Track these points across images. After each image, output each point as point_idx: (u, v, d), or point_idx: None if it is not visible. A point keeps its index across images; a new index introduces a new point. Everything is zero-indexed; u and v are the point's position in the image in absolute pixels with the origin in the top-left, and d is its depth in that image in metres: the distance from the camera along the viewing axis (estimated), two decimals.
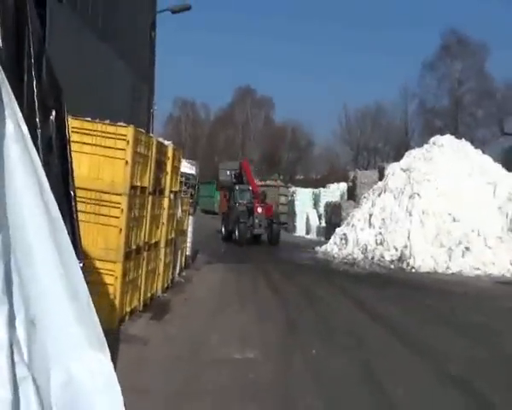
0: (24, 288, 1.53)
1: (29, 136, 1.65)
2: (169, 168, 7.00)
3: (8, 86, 1.53)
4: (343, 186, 21.47)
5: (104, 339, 1.65)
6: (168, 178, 6.99)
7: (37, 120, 1.87)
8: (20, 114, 1.63)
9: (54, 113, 2.03)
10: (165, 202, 6.93)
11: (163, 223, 6.87)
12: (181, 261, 8.79)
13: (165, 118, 63.62)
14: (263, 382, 3.48)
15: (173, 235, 7.58)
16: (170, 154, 7.07)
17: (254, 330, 5.20)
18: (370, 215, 12.58)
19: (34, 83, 1.77)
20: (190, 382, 3.51)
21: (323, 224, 18.95)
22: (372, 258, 11.38)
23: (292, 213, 22.28)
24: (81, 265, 2.12)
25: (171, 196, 7.20)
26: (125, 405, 1.61)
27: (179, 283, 7.87)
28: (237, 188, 16.41)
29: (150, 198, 6.05)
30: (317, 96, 70.88)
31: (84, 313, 1.72)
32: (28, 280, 1.58)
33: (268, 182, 31.39)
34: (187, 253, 9.64)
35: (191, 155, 60.22)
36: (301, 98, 71.84)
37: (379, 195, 12.94)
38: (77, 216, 2.22)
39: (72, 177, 2.25)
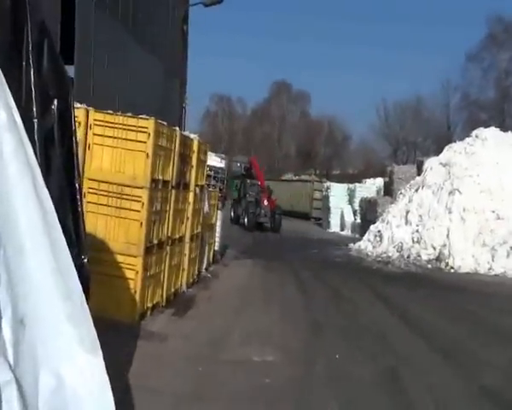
0: (13, 285, 1.47)
1: (22, 126, 1.55)
2: (194, 162, 6.92)
3: (2, 75, 1.48)
4: (379, 182, 21.05)
5: (97, 341, 1.57)
6: (193, 171, 6.91)
7: (35, 109, 1.78)
8: (13, 104, 1.53)
9: (56, 102, 1.91)
10: (191, 196, 6.86)
11: (188, 217, 6.80)
12: (208, 257, 8.74)
13: (201, 115, 64.44)
14: (278, 387, 3.35)
15: (199, 229, 7.50)
16: (195, 147, 6.98)
17: (277, 331, 5.07)
18: (407, 212, 12.27)
19: (32, 71, 1.69)
20: (203, 384, 3.42)
21: (358, 220, 18.65)
22: (408, 257, 11.11)
23: (326, 209, 22.05)
24: (85, 261, 2.07)
25: (197, 190, 7.12)
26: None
27: (206, 278, 7.80)
28: (248, 182, 18.46)
29: (173, 192, 6.00)
30: (354, 89, 69.79)
31: (77, 312, 1.63)
32: (18, 277, 1.48)
33: (302, 177, 31.26)
34: (215, 248, 9.56)
35: (228, 149, 61.83)
36: (338, 92, 71.02)
37: (416, 190, 12.63)
38: (82, 210, 2.14)
39: (78, 169, 2.18)
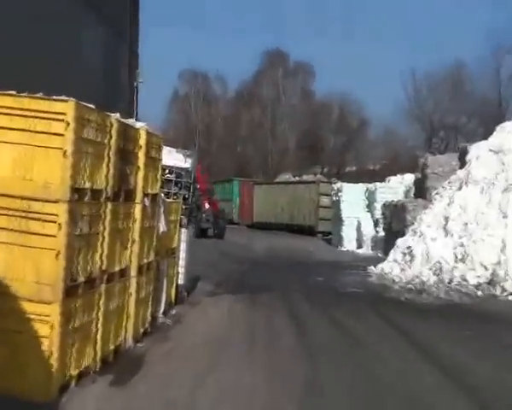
0: None
1: None
2: (141, 161, 6.60)
3: None
4: (409, 179, 21.05)
5: None
6: (140, 175, 6.60)
7: None
8: None
9: None
10: (137, 211, 6.54)
11: (134, 240, 6.50)
12: (169, 294, 8.55)
13: (168, 98, 64.63)
14: None
15: (152, 257, 7.21)
16: (142, 140, 6.66)
17: (260, 407, 4.71)
18: (446, 219, 12.20)
19: None
20: None
21: (381, 233, 18.55)
22: (449, 281, 11.02)
23: (337, 220, 22.13)
24: None
25: (147, 201, 6.79)
26: None
27: (164, 326, 7.60)
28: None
29: (110, 205, 5.64)
30: (372, 59, 69.94)
31: None
32: None
33: (304, 177, 31.25)
34: (179, 281, 9.36)
35: (206, 143, 62.17)
36: (350, 64, 71.16)
37: (459, 188, 12.63)
38: None
39: None
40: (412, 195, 18.77)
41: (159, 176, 7.53)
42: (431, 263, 11.72)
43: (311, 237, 26.19)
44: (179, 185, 9.93)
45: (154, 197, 7.22)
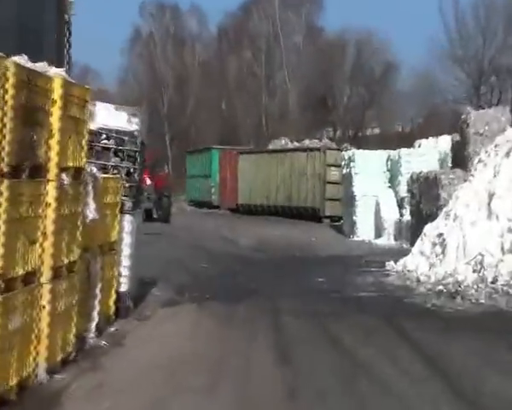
0: None
1: None
2: (56, 123, 6.45)
3: None
4: (446, 143, 20.94)
5: None
6: (55, 142, 6.45)
7: None
8: None
9: None
10: (51, 192, 6.40)
11: (46, 233, 6.34)
12: (105, 305, 8.51)
13: (126, 39, 64.20)
14: None
15: (76, 255, 7.08)
16: (57, 93, 6.48)
17: None
18: (491, 196, 12.05)
19: None
20: None
21: (407, 216, 18.46)
22: (493, 281, 10.91)
23: (348, 200, 22.04)
24: None
25: (65, 178, 6.61)
26: None
27: (96, 349, 7.51)
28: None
29: (5, 185, 5.46)
30: None
31: None
32: None
33: (307, 142, 31.03)
34: (121, 287, 9.31)
35: (178, 99, 61.57)
36: None
37: (507, 155, 12.31)
38: None
39: None
40: (449, 164, 18.60)
41: (84, 143, 7.42)
42: (469, 256, 11.60)
43: (316, 224, 26.18)
44: (121, 155, 9.72)
45: (78, 173, 7.11)
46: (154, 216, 24.92)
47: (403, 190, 19.66)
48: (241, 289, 11.94)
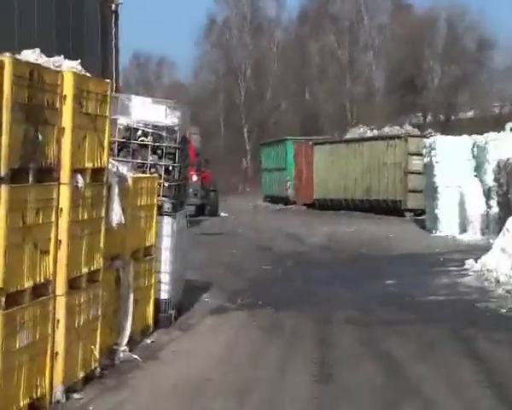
0: None
1: None
2: (68, 120, 6.32)
3: None
4: None
5: None
6: (67, 141, 6.32)
7: None
8: None
9: None
10: (64, 196, 6.27)
11: (60, 241, 6.24)
12: (141, 315, 8.50)
13: (200, 28, 64.68)
14: None
15: (99, 264, 6.97)
16: (69, 88, 6.35)
17: None
18: None
19: None
20: None
21: (495, 208, 17.77)
22: None
23: (430, 191, 21.57)
24: None
25: (80, 180, 6.48)
26: None
27: (127, 364, 7.43)
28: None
29: (4, 190, 5.36)
30: None
31: None
32: None
33: (386, 130, 30.27)
34: (162, 295, 9.23)
35: (256, 88, 61.91)
36: None
37: None
38: None
39: None
40: None
41: (106, 141, 7.28)
42: None
43: (397, 219, 25.63)
44: (159, 153, 9.57)
45: (98, 174, 6.99)
46: (206, 212, 28.09)
47: (490, 179, 18.91)
48: (299, 293, 11.75)
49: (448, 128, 41.23)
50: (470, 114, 51.45)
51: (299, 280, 13.20)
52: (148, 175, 9.08)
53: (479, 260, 12.94)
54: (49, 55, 6.41)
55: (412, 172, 25.16)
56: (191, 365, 7.62)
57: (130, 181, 8.13)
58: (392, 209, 26.52)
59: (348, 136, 33.03)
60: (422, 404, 6.06)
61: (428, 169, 21.54)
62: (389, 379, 6.84)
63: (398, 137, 27.17)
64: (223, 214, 30.09)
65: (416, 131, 29.06)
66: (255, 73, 64.39)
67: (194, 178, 26.92)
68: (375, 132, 30.34)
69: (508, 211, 15.91)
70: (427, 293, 11.28)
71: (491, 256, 12.46)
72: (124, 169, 8.32)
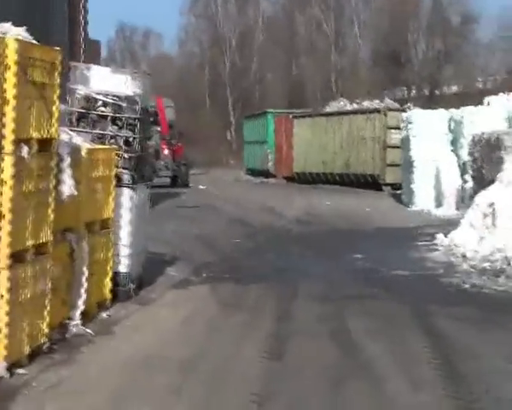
0: None
1: None
2: (10, 88, 6.12)
3: None
4: None
5: None
6: (9, 110, 6.13)
7: None
8: None
9: None
10: (7, 167, 6.13)
11: (2, 214, 6.10)
12: (98, 289, 8.38)
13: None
14: None
15: (47, 237, 6.80)
16: (12, 56, 6.16)
17: None
18: None
19: None
20: None
21: (470, 183, 17.72)
22: None
23: (406, 165, 21.60)
24: None
25: (25, 150, 6.30)
26: None
27: (79, 339, 7.30)
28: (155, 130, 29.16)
29: None
30: None
31: None
32: None
33: (365, 104, 30.05)
34: (120, 270, 9.11)
35: (242, 61, 61.57)
36: None
37: None
38: None
39: None
40: None
41: (56, 110, 7.07)
42: None
43: (375, 193, 25.58)
44: (119, 124, 9.35)
45: (47, 145, 6.81)
46: (179, 184, 29.86)
47: (466, 153, 18.76)
48: (268, 267, 11.67)
49: (432, 102, 40.99)
50: (454, 88, 51.19)
51: (269, 254, 13.16)
52: (104, 146, 8.89)
53: (448, 235, 12.88)
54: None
55: (391, 147, 24.98)
56: (144, 339, 7.48)
57: (84, 152, 7.96)
58: (371, 183, 26.38)
59: (328, 109, 32.83)
60: (368, 382, 5.91)
61: (405, 143, 21.42)
62: (341, 357, 6.73)
63: (378, 110, 26.96)
64: (201, 187, 30.09)
65: (396, 105, 28.86)
66: (241, 45, 63.93)
67: (166, 151, 29.70)
68: (355, 106, 30.18)
69: (481, 186, 15.75)
70: (395, 268, 11.19)
71: (459, 231, 12.40)
72: (78, 140, 8.15)
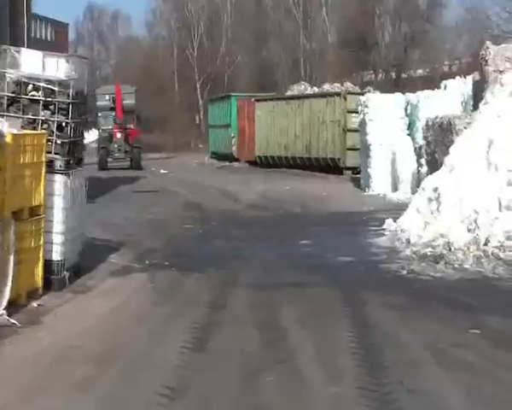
0: None
1: None
2: None
3: None
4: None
5: None
6: None
7: None
8: None
9: None
10: None
11: None
12: (28, 277, 8.26)
13: None
14: None
15: None
16: None
17: None
18: (490, 144, 11.33)
19: None
20: None
21: (425, 167, 17.69)
22: (486, 242, 10.29)
23: (363, 149, 21.59)
24: None
25: None
26: None
27: (4, 330, 7.17)
28: (100, 114, 33.55)
29: None
30: None
31: None
32: None
33: (326, 87, 29.94)
34: (53, 257, 8.92)
35: (210, 44, 61.46)
36: None
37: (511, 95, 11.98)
38: None
39: None
40: (472, 106, 17.75)
41: None
42: (464, 214, 10.89)
43: (336, 177, 25.46)
44: (51, 108, 9.09)
45: None
46: (122, 163, 32.17)
47: (420, 138, 18.74)
48: (211, 254, 11.46)
49: (398, 86, 40.92)
50: (420, 71, 51.26)
51: (217, 240, 12.89)
52: (33, 132, 8.65)
53: (399, 220, 12.76)
54: None
55: (351, 130, 24.78)
56: (69, 330, 7.35)
57: (8, 138, 7.73)
58: (331, 167, 26.23)
59: (289, 93, 32.63)
60: (286, 374, 5.78)
61: (362, 127, 21.30)
62: (264, 346, 6.58)
63: (338, 94, 26.73)
64: (162, 171, 30.00)
65: (357, 89, 28.74)
66: (209, 28, 63.58)
67: (118, 135, 31.55)
68: (316, 89, 30.01)
69: (435, 170, 15.75)
70: (338, 254, 11.04)
71: (406, 216, 12.23)
72: (3, 125, 7.93)
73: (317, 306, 8.04)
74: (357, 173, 23.83)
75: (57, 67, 9.23)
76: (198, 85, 62.57)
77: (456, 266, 9.64)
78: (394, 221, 12.78)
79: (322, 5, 58.34)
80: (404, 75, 52.63)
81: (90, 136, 33.29)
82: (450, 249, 10.31)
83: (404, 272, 9.46)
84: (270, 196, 19.85)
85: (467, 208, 10.93)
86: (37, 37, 78.99)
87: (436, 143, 16.36)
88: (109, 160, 31.57)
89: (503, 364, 5.87)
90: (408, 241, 11.20)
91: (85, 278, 9.51)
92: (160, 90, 59.19)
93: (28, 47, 16.35)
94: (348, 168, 25.35)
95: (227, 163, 33.88)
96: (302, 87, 32.12)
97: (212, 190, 21.92)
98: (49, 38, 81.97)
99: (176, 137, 54.88)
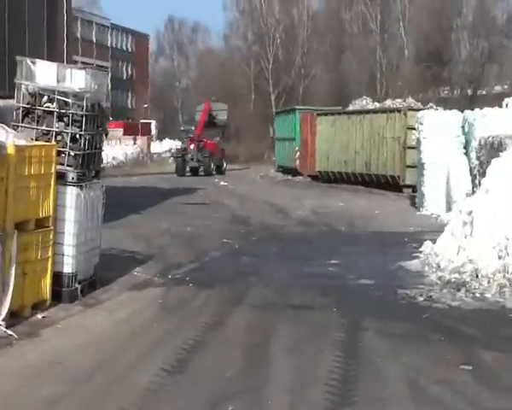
0: None
1: None
2: None
3: None
4: None
5: None
6: None
7: None
8: None
9: None
10: None
11: None
12: (34, 289, 8.30)
13: None
14: None
15: None
16: None
17: None
18: None
19: None
20: None
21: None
22: None
23: (419, 168, 20.92)
24: None
25: None
26: None
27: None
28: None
29: None
30: None
31: None
32: None
33: (388, 103, 29.32)
34: (64, 270, 8.88)
35: (287, 56, 61.47)
36: None
37: None
38: None
39: None
40: None
41: None
42: (496, 240, 10.34)
43: (395, 194, 24.92)
44: (66, 120, 9.09)
45: None
46: (200, 172, 37.23)
47: (475, 157, 18.10)
48: (232, 271, 11.32)
49: (474, 103, 39.97)
50: (498, 88, 49.95)
51: (247, 256, 12.71)
52: (40, 143, 8.66)
53: (436, 243, 12.24)
54: None
55: (411, 147, 24.20)
56: (61, 344, 7.34)
57: (10, 149, 7.74)
58: (391, 185, 25.68)
59: (351, 107, 32.18)
60: (248, 402, 5.61)
61: (418, 144, 20.76)
62: (241, 373, 6.38)
63: (398, 110, 26.16)
64: (222, 183, 29.99)
65: (419, 105, 28.07)
66: (284, 41, 63.85)
67: (191, 146, 36.98)
68: (377, 105, 29.47)
69: None
70: (361, 276, 10.69)
71: (441, 240, 11.77)
72: (8, 137, 7.96)
73: (312, 331, 7.80)
74: (411, 191, 23.38)
75: (74, 79, 9.21)
76: (272, 97, 62.90)
77: (477, 294, 9.21)
78: (433, 243, 12.42)
79: (400, 19, 57.81)
80: (480, 92, 51.52)
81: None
82: (476, 276, 9.83)
83: (421, 298, 9.08)
84: (321, 213, 19.54)
85: (498, 234, 10.43)
86: (118, 47, 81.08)
87: (488, 164, 15.83)
88: (186, 167, 36.84)
89: (479, 406, 5.48)
90: (438, 265, 10.73)
91: (101, 291, 9.49)
92: (236, 101, 59.61)
93: (67, 47, 16.60)
94: (408, 186, 24.70)
95: (289, 177, 33.70)
96: (364, 102, 31.65)
97: (263, 204, 21.74)
98: (129, 48, 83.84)
99: (250, 148, 55.26)
